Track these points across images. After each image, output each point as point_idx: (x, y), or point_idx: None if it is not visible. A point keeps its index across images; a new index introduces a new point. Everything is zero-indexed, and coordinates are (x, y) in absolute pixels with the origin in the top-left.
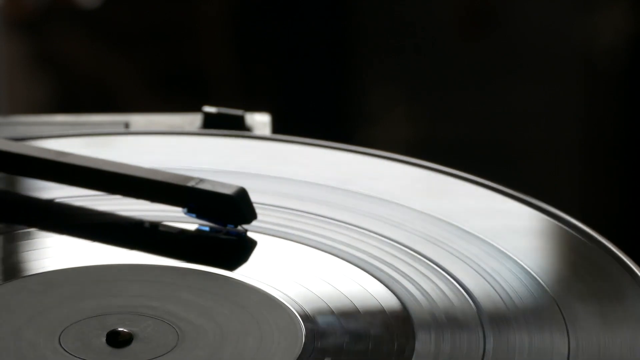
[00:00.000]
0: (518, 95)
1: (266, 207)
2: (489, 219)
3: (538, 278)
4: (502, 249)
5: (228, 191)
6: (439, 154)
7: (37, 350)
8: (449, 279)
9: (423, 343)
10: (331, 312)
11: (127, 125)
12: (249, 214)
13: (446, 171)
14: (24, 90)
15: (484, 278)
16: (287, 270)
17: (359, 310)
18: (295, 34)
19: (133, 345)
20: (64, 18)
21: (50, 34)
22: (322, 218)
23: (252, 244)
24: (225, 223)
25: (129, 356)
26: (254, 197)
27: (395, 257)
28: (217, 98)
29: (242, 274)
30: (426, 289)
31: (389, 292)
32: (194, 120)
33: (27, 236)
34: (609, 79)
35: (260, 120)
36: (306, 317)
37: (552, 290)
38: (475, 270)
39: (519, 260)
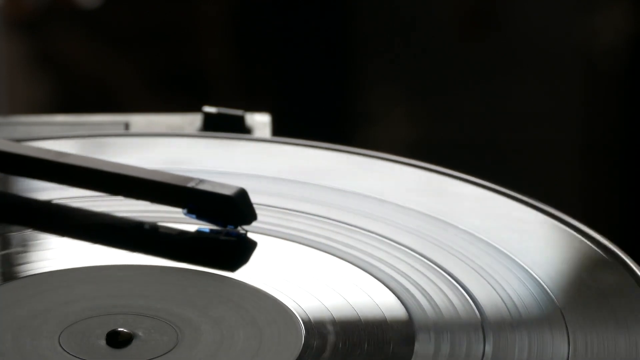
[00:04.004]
0: (518, 95)
1: (266, 207)
2: (490, 221)
3: (538, 279)
4: (503, 250)
5: (228, 192)
6: (439, 154)
7: (37, 350)
8: (449, 280)
9: (423, 344)
10: (331, 313)
11: (127, 125)
12: (249, 215)
13: (446, 172)
14: (24, 90)
15: (485, 279)
16: (287, 271)
17: (358, 311)
18: (295, 34)
19: (133, 345)
20: (64, 18)
21: (50, 34)
22: (322, 219)
23: (252, 244)
24: (225, 224)
25: (129, 356)
26: (254, 198)
27: (396, 257)
28: (217, 98)
29: (242, 274)
30: (427, 290)
31: (389, 292)
32: (194, 120)
33: (27, 237)
34: (609, 79)
35: (260, 121)
36: (306, 318)
37: (553, 292)
38: (476, 271)
39: (519, 262)
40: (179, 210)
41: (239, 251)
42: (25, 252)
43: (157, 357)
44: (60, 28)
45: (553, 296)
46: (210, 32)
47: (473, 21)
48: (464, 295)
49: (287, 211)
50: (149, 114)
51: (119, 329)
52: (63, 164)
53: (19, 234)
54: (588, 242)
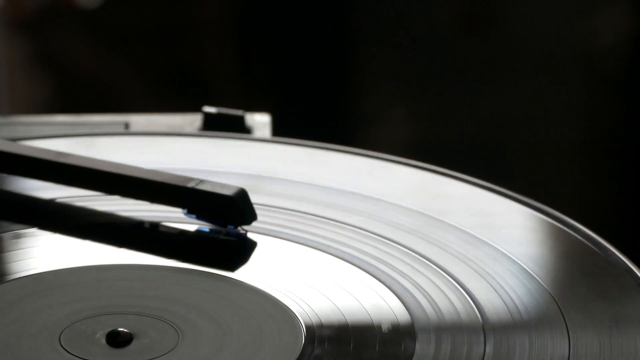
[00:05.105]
0: (518, 95)
1: (266, 208)
2: (490, 221)
3: (538, 279)
4: (502, 251)
5: (228, 192)
6: (439, 154)
7: (38, 350)
8: (450, 281)
9: (423, 344)
10: (331, 313)
11: (127, 125)
12: (249, 215)
13: (445, 172)
14: (24, 90)
15: (485, 280)
16: (287, 271)
17: (359, 311)
18: (295, 34)
19: (133, 345)
20: (64, 18)
21: (50, 34)
22: (321, 219)
23: (252, 244)
24: (225, 224)
25: (129, 356)
26: (253, 198)
27: (396, 258)
28: (217, 98)
29: (242, 274)
30: (427, 290)
31: (390, 292)
32: (194, 120)
33: (27, 236)
34: (609, 79)
35: (260, 121)
36: (306, 318)
37: (553, 292)
38: (476, 271)
39: (519, 262)
40: (179, 210)
41: (239, 251)
42: (26, 251)
43: (157, 357)
44: (60, 28)
45: (553, 296)
46: (210, 32)
47: (473, 21)
48: (465, 297)
49: (287, 211)
50: (149, 114)
51: (119, 329)
52: (63, 164)
53: (18, 233)
54: (588, 243)
